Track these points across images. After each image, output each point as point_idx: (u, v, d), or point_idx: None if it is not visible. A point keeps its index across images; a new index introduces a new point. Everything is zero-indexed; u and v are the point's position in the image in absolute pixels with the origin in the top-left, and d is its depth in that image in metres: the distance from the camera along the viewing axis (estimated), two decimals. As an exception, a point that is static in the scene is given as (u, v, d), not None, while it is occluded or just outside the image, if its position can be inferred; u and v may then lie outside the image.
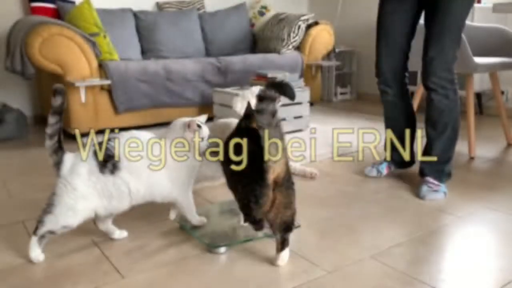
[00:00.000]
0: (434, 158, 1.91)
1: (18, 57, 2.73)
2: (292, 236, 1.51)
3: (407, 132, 2.07)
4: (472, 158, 2.41)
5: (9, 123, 3.05)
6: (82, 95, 2.88)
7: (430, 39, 1.82)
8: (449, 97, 1.84)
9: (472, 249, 1.41)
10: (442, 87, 1.83)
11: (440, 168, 1.91)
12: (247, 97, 2.30)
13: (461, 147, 2.64)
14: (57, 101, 1.34)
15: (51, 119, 1.35)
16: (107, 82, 2.94)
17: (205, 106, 3.42)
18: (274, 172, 1.18)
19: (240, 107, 2.28)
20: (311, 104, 4.16)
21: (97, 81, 2.88)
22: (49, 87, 3.25)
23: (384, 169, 2.13)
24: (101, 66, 3.03)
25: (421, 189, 1.87)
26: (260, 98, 1.14)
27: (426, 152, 1.96)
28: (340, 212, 1.72)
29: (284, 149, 1.17)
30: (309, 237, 1.51)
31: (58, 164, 1.37)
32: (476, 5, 3.32)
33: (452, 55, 1.80)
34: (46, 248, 1.45)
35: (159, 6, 4.02)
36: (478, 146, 2.63)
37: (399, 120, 2.08)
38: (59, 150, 1.37)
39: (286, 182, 1.22)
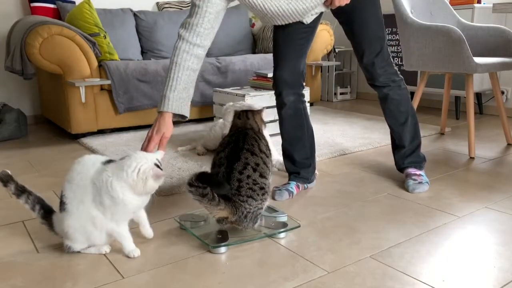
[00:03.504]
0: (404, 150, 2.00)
1: (18, 57, 2.74)
2: (292, 236, 1.51)
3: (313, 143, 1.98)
4: (472, 158, 2.41)
5: (9, 123, 3.05)
6: (82, 95, 2.88)
7: (361, 48, 1.82)
8: (401, 87, 1.91)
9: (472, 249, 1.41)
10: (392, 81, 1.89)
11: (415, 156, 2.00)
12: (228, 112, 2.37)
13: (461, 147, 2.64)
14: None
15: (21, 200, 1.41)
16: (107, 82, 2.94)
17: (205, 106, 3.42)
18: (219, 214, 1.39)
19: (226, 118, 2.37)
20: (311, 104, 4.17)
21: (97, 81, 2.88)
22: (49, 87, 3.26)
23: (294, 189, 1.90)
24: (101, 66, 3.04)
25: (407, 183, 1.94)
26: (190, 184, 1.32)
27: (397, 146, 2.02)
28: (340, 212, 1.72)
29: (222, 208, 1.38)
30: (309, 237, 1.51)
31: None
32: (476, 5, 3.32)
33: (385, 51, 1.84)
34: (46, 249, 1.45)
35: (159, 6, 4.02)
36: (478, 146, 2.63)
37: (304, 131, 1.93)
38: (47, 214, 1.43)
39: (239, 219, 1.41)
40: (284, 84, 1.85)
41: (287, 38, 1.80)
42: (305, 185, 1.97)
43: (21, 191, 1.40)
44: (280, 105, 1.90)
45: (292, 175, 1.96)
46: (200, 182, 1.32)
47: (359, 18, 1.77)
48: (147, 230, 1.49)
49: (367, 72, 1.87)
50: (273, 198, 1.86)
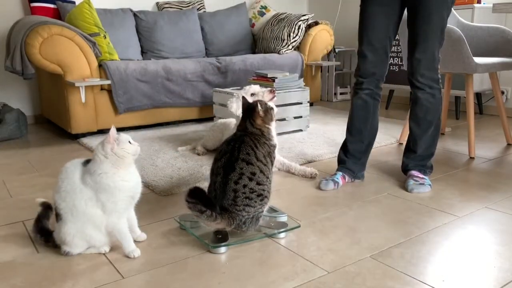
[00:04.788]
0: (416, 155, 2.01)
1: (18, 57, 2.74)
2: (292, 236, 1.51)
3: (371, 137, 2.03)
4: (472, 158, 2.41)
5: (9, 123, 3.05)
6: (82, 95, 2.88)
7: (416, 41, 1.84)
8: (435, 96, 1.91)
9: (472, 249, 1.41)
10: (429, 87, 1.89)
11: (423, 163, 2.01)
12: (241, 98, 2.31)
13: (461, 147, 2.64)
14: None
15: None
16: (107, 82, 2.94)
17: (205, 106, 3.42)
18: (217, 226, 1.42)
19: (235, 108, 2.29)
20: (311, 104, 4.17)
21: (97, 81, 2.88)
22: (49, 87, 3.26)
23: (340, 179, 1.99)
24: (101, 66, 3.03)
25: (408, 183, 1.95)
26: (187, 201, 1.35)
27: (410, 149, 2.03)
28: (340, 212, 1.72)
29: (219, 222, 1.39)
30: (309, 237, 1.51)
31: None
32: (476, 5, 3.32)
33: (437, 55, 1.85)
34: (46, 249, 1.45)
35: (159, 6, 4.02)
36: (478, 146, 2.63)
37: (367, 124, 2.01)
38: (48, 236, 1.46)
39: (237, 226, 1.43)
40: (366, 77, 1.94)
41: (376, 28, 1.87)
42: (352, 178, 2.03)
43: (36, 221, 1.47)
44: (354, 92, 2.00)
45: (340, 165, 2.06)
46: (191, 198, 1.33)
47: (427, 10, 1.79)
48: (138, 235, 1.50)
49: (411, 67, 1.89)
50: (319, 188, 1.96)
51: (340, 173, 2.02)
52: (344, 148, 2.05)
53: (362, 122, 2.00)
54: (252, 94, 2.30)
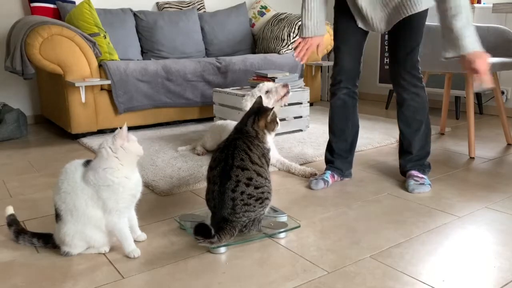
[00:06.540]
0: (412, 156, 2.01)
1: (18, 57, 2.74)
2: (292, 236, 1.51)
3: (354, 136, 2.06)
4: (472, 158, 2.41)
5: (9, 123, 3.05)
6: (82, 95, 2.88)
7: (397, 43, 1.86)
8: (419, 95, 1.92)
9: (472, 249, 1.41)
10: (413, 86, 1.89)
11: (421, 162, 2.01)
12: (256, 95, 2.29)
13: (461, 147, 2.64)
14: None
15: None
16: (107, 82, 2.94)
17: (205, 106, 3.42)
18: (224, 242, 1.40)
19: (249, 106, 2.28)
20: (311, 104, 4.17)
21: (97, 81, 2.88)
22: (49, 87, 3.26)
23: (329, 178, 2.02)
24: (101, 66, 3.04)
25: (408, 183, 1.95)
26: (196, 239, 1.34)
27: (405, 150, 2.03)
28: (340, 212, 1.72)
29: (224, 238, 1.38)
30: (309, 237, 1.51)
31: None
32: (476, 5, 3.32)
33: (418, 54, 1.87)
34: (46, 249, 1.45)
35: (159, 6, 4.02)
36: (478, 146, 2.63)
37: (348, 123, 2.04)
38: (47, 239, 1.47)
39: (239, 232, 1.44)
40: (343, 75, 1.95)
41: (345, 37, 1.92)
42: (340, 177, 2.06)
43: (18, 232, 1.48)
44: (332, 94, 2.01)
45: (328, 165, 2.09)
46: (199, 235, 1.33)
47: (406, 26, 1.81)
48: (138, 235, 1.50)
49: (393, 68, 1.90)
50: (310, 187, 1.98)
51: (329, 171, 2.04)
52: (330, 148, 2.08)
53: (343, 122, 2.01)
54: (267, 92, 2.29)
